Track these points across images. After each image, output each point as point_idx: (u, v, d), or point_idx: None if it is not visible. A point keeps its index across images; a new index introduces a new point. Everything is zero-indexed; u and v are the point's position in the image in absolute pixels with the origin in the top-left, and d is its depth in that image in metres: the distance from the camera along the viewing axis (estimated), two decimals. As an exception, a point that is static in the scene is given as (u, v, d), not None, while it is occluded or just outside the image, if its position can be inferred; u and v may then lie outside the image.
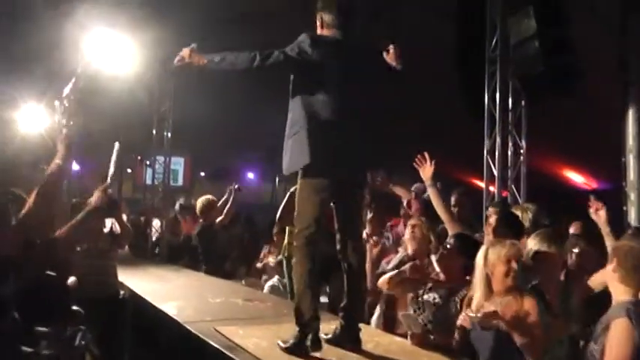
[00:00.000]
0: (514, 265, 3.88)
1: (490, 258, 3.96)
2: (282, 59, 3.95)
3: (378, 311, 5.34)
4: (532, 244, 4.42)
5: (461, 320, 3.99)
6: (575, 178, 18.70)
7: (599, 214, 4.87)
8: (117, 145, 5.28)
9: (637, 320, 3.39)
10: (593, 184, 18.52)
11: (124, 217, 7.47)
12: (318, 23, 4.22)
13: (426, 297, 4.54)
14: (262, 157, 20.52)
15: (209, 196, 9.10)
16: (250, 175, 24.79)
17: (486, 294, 3.96)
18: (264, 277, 8.01)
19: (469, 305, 4.06)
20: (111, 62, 10.12)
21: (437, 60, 9.77)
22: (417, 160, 5.44)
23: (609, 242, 4.58)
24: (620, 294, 3.60)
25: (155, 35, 10.24)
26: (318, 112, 3.96)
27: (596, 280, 4.27)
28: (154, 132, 12.17)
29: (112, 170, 4.98)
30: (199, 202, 8.99)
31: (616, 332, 3.40)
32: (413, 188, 6.60)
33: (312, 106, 3.98)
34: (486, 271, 3.96)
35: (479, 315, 3.80)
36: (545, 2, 7.51)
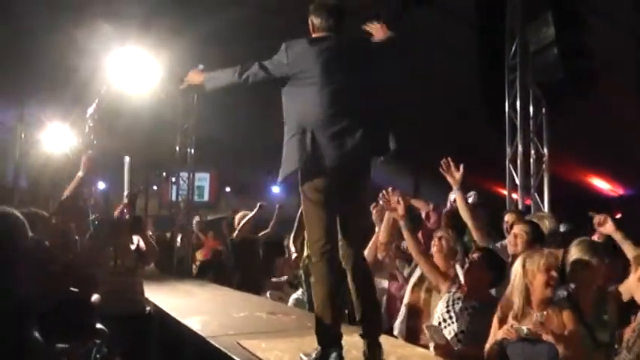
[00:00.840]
0: (554, 274, 3.86)
1: (529, 268, 3.90)
2: (257, 71, 4.01)
3: (400, 317, 5.31)
4: (574, 251, 4.38)
5: (504, 332, 3.94)
6: (601, 184, 18.52)
7: (606, 227, 4.70)
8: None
9: None
10: (619, 191, 18.35)
11: (149, 233, 7.61)
12: (310, 27, 4.23)
13: (457, 308, 4.52)
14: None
15: (246, 212, 9.53)
16: (275, 189, 24.76)
17: (525, 304, 3.93)
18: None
19: (504, 317, 4.04)
20: (134, 81, 10.29)
21: (457, 68, 9.79)
22: (442, 165, 5.42)
23: (627, 249, 4.48)
24: None
25: (177, 52, 10.36)
26: (305, 116, 3.93)
27: (624, 290, 4.21)
28: (177, 149, 12.25)
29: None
30: (237, 217, 9.44)
31: None
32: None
33: (300, 110, 3.97)
34: (525, 281, 3.92)
35: (526, 327, 3.77)
36: (564, 9, 7.48)
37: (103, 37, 9.70)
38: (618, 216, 17.40)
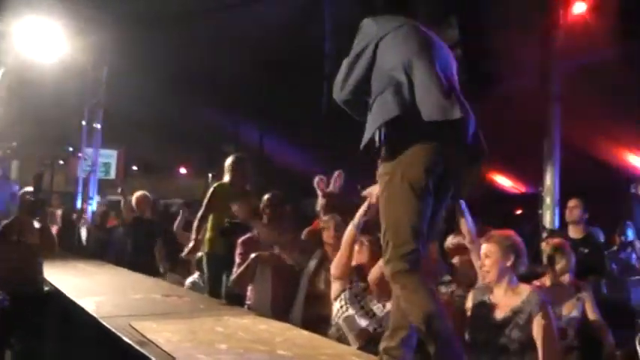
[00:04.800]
0: None
1: None
2: (346, 66, 3.31)
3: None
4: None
5: None
6: (504, 182, 19.20)
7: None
8: None
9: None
10: (521, 189, 19.02)
11: (59, 212, 7.53)
12: None
13: (375, 307, 4.49)
14: (196, 151, 20.46)
15: (144, 192, 9.37)
16: (183, 170, 24.50)
17: None
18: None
19: None
20: (43, 52, 10.04)
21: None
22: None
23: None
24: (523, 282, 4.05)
25: (88, 24, 10.18)
26: (398, 67, 3.14)
27: None
28: (84, 123, 12.03)
29: None
30: (134, 197, 9.25)
31: (548, 319, 3.81)
32: None
33: (390, 62, 3.18)
34: None
35: None
36: (467, 13, 7.73)
37: (12, 4, 9.46)
38: (519, 212, 18.14)
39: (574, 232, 6.65)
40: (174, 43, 12.54)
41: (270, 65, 15.15)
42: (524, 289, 4.00)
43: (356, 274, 4.64)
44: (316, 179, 6.40)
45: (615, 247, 6.78)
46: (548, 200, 7.73)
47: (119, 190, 9.59)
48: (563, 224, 7.09)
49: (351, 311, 4.46)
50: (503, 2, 8.65)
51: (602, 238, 6.88)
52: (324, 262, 5.32)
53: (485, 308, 4.03)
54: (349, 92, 3.31)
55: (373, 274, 4.43)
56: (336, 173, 6.54)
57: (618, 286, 6.20)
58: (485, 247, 4.08)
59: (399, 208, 3.05)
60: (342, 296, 4.55)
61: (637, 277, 6.44)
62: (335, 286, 4.64)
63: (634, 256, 6.58)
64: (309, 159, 17.86)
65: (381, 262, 4.19)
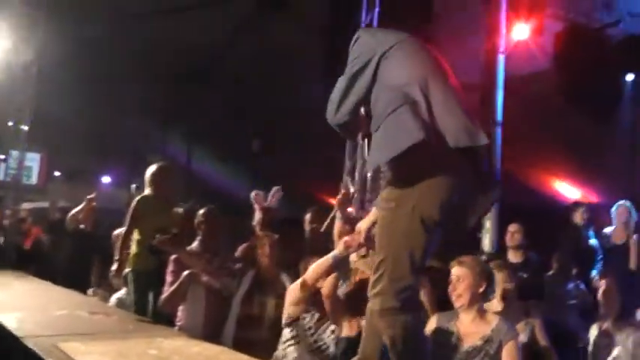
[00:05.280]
0: None
1: None
2: (342, 84, 3.08)
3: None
4: None
5: None
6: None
7: None
8: None
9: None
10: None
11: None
12: None
13: (328, 339, 4.36)
14: (120, 160, 20.10)
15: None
16: (106, 179, 23.93)
17: None
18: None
19: None
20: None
21: (306, 77, 9.87)
22: None
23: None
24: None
25: (21, 18, 9.85)
26: (411, 83, 2.94)
27: None
28: (11, 124, 11.54)
29: None
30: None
31: (517, 348, 3.85)
32: None
33: (401, 76, 2.98)
34: None
35: None
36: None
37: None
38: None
39: (513, 257, 6.71)
40: (105, 50, 12.32)
41: (196, 76, 15.00)
42: (493, 318, 3.98)
43: (311, 303, 4.42)
44: (253, 193, 6.31)
45: (552, 272, 6.85)
46: (487, 224, 7.74)
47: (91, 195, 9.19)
48: (501, 249, 7.12)
49: (302, 346, 4.33)
50: (446, 24, 8.67)
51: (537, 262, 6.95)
52: (257, 283, 5.22)
53: (451, 335, 3.95)
54: (348, 113, 3.08)
55: (326, 290, 4.24)
56: (274, 189, 6.45)
57: (556, 310, 6.27)
58: (456, 270, 4.02)
59: (402, 240, 2.85)
60: (293, 327, 4.40)
61: (573, 302, 6.57)
62: (289, 311, 4.46)
63: (571, 282, 6.71)
64: (239, 173, 17.73)
65: (332, 277, 4.08)
